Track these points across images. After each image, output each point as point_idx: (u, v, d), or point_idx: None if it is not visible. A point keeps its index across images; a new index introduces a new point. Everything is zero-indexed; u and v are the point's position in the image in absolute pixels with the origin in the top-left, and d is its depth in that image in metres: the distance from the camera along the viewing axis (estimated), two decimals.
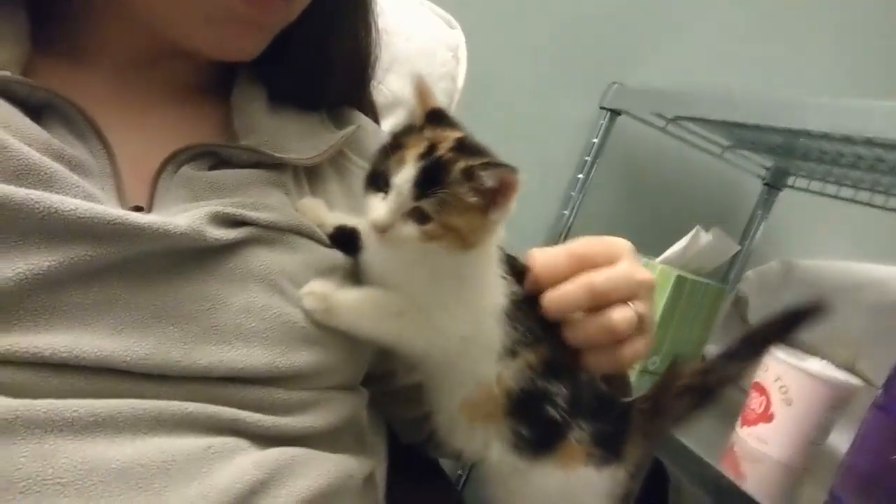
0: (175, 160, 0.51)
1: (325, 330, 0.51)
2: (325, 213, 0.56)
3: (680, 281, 1.03)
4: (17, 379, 0.40)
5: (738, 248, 1.25)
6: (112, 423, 0.41)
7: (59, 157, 0.45)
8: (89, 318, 0.42)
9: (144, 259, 0.45)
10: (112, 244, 0.43)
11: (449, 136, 0.48)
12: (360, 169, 0.62)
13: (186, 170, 0.51)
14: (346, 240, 0.55)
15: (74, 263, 0.42)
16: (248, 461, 0.44)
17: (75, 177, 0.45)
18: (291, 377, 0.48)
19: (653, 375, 1.04)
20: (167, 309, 0.44)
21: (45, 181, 0.43)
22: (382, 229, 0.47)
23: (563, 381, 0.51)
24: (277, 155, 0.54)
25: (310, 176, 0.58)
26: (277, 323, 0.48)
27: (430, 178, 0.46)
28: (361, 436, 0.59)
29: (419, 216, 0.46)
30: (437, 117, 0.50)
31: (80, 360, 0.41)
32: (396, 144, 0.48)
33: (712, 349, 1.17)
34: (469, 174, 0.46)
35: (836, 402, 0.78)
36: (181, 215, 0.47)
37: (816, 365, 0.80)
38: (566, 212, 1.27)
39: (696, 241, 1.09)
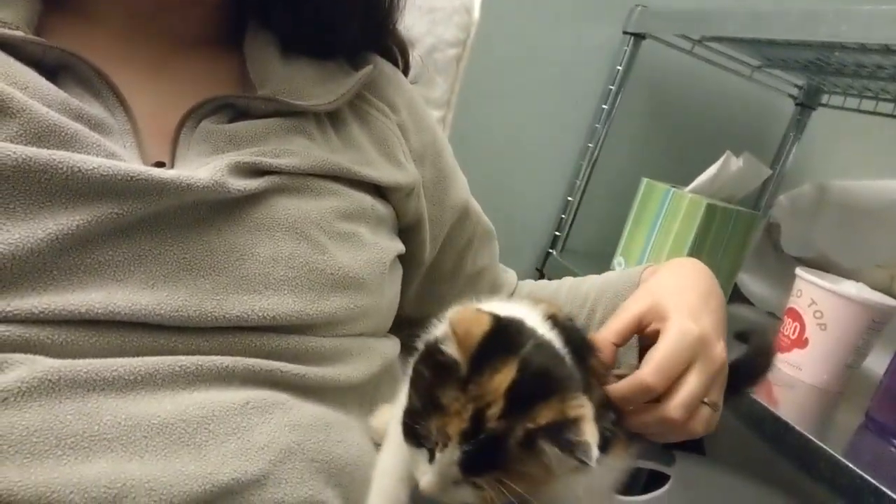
0: (194, 115, 0.50)
1: (353, 276, 0.51)
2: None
3: (710, 210, 1.01)
4: (58, 339, 0.41)
5: (770, 172, 1.22)
6: (151, 380, 0.42)
7: (78, 116, 0.45)
8: (120, 274, 0.43)
9: (171, 214, 0.45)
10: (137, 200, 0.43)
11: (500, 386, 0.39)
12: (380, 113, 0.61)
13: (206, 124, 0.51)
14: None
15: (102, 221, 0.42)
16: (285, 421, 0.45)
17: (96, 135, 0.45)
18: (323, 324, 0.49)
19: None
20: (196, 261, 0.45)
21: (67, 141, 0.43)
22: (432, 494, 0.41)
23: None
24: (295, 102, 0.53)
25: (333, 122, 0.57)
26: (305, 270, 0.48)
27: (482, 458, 0.38)
28: (397, 385, 0.60)
29: (475, 483, 0.40)
30: (484, 354, 0.40)
31: (115, 316, 0.42)
32: (433, 400, 0.40)
33: (744, 278, 1.16)
34: (530, 442, 0.38)
35: (873, 325, 0.77)
36: (203, 168, 0.47)
37: (851, 288, 0.79)
38: (591, 144, 1.24)
39: (726, 168, 1.06)
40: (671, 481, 1.14)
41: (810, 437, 0.66)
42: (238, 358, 0.45)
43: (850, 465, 0.61)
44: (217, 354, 0.45)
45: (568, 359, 0.44)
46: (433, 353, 0.41)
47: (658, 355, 0.49)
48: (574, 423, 0.38)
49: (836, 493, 0.63)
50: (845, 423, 0.74)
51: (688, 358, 0.50)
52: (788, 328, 0.82)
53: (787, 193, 1.19)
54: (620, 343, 0.53)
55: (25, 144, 0.42)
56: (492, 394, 0.38)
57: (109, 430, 0.39)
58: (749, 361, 0.57)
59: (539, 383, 0.40)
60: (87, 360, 0.41)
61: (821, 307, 0.78)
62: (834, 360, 0.78)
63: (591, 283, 0.73)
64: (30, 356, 0.40)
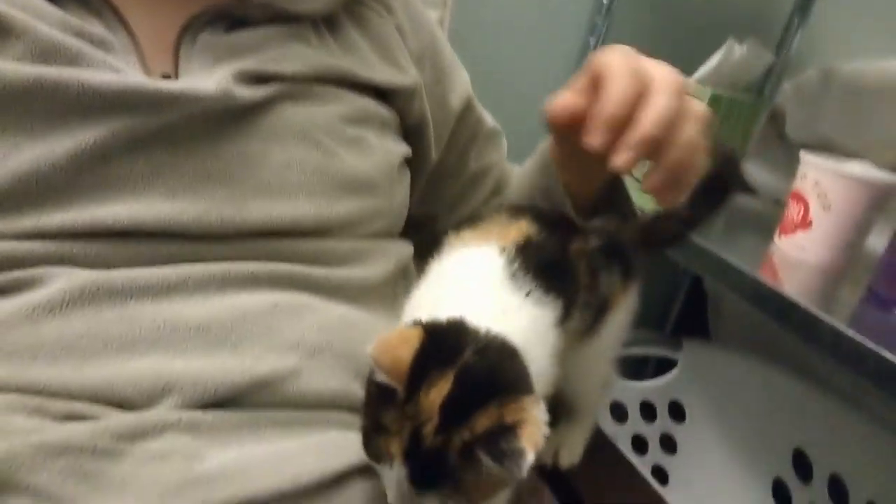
0: (192, 27, 0.50)
1: (364, 179, 0.52)
2: None
3: (714, 100, 1.00)
4: (91, 252, 0.43)
5: (774, 59, 1.19)
6: (184, 286, 0.44)
7: (79, 34, 0.45)
8: (140, 187, 0.44)
9: (182, 126, 0.46)
10: (149, 114, 0.44)
11: (435, 402, 0.38)
12: (376, 14, 0.60)
13: (205, 36, 0.51)
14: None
15: (117, 136, 0.43)
16: (312, 321, 0.47)
17: (100, 53, 0.45)
18: (339, 226, 0.51)
19: None
20: (212, 171, 0.46)
21: (73, 59, 0.43)
22: None
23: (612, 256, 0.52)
24: (291, 7, 0.53)
25: (330, 28, 0.57)
26: (318, 175, 0.50)
27: (429, 474, 0.38)
28: (413, 285, 0.62)
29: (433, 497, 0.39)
30: (420, 372, 0.39)
31: (141, 226, 0.43)
32: (377, 420, 0.39)
33: (749, 167, 1.16)
34: (469, 453, 0.37)
35: (877, 202, 0.78)
36: (208, 79, 0.47)
37: (857, 167, 0.79)
38: (592, 38, 1.22)
39: (729, 56, 1.04)
40: (678, 366, 1.19)
41: (814, 311, 0.68)
42: (263, 263, 0.47)
43: (852, 334, 0.64)
44: (242, 260, 0.47)
45: (537, 291, 0.44)
46: (371, 377, 0.41)
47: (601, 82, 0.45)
48: (511, 429, 0.36)
49: (839, 362, 0.66)
50: (848, 299, 0.77)
51: (631, 73, 0.44)
52: (793, 211, 0.83)
53: (792, 80, 1.17)
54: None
55: (32, 64, 0.42)
56: (427, 411, 0.37)
57: (150, 333, 0.42)
58: (715, 175, 0.53)
59: (477, 391, 0.38)
60: (121, 270, 0.43)
61: (825, 188, 0.79)
62: (837, 240, 0.80)
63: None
64: (67, 268, 0.42)
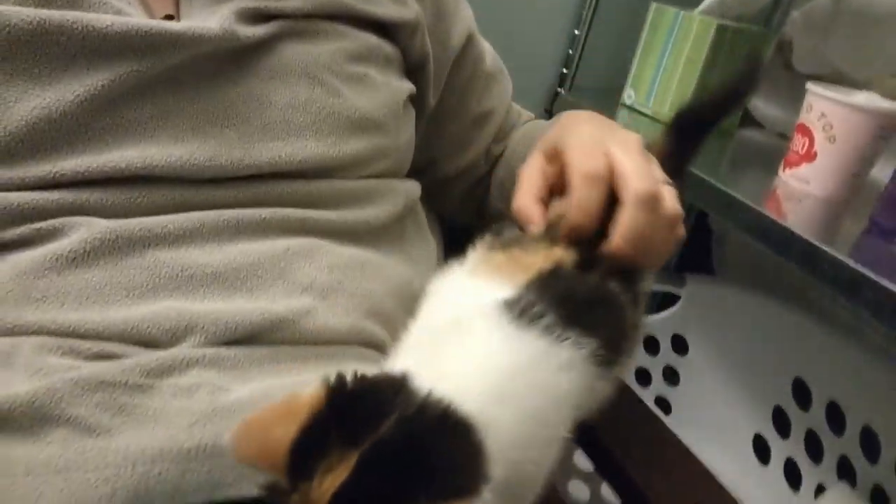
0: None
1: (369, 117, 0.53)
2: None
3: (720, 31, 0.98)
4: (107, 201, 0.44)
5: None
6: (198, 233, 0.45)
7: None
8: (149, 131, 0.45)
9: (187, 68, 0.46)
10: (154, 56, 0.44)
11: (325, 495, 0.28)
12: None
13: None
14: None
15: (124, 80, 0.44)
16: (323, 263, 0.48)
17: None
18: (346, 166, 0.51)
19: None
20: (218, 113, 0.47)
21: (74, 1, 0.43)
22: None
23: None
24: None
25: None
26: (323, 115, 0.50)
27: None
28: (421, 225, 0.63)
29: None
30: (313, 452, 0.30)
31: (153, 170, 0.44)
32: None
33: (755, 100, 1.15)
34: None
35: (882, 132, 0.78)
36: (210, 19, 0.47)
37: (862, 98, 0.79)
38: None
39: None
40: (682, 301, 1.21)
41: (815, 242, 0.69)
42: (274, 209, 0.48)
43: (852, 264, 0.65)
44: (253, 206, 0.47)
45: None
46: None
47: (572, 157, 0.44)
48: None
49: (839, 292, 0.67)
50: (851, 231, 0.78)
51: (599, 144, 0.44)
52: (798, 144, 0.83)
53: (800, 8, 1.15)
54: (539, 198, 0.47)
55: (34, 7, 0.42)
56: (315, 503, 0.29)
57: (169, 280, 0.43)
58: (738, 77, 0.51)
59: (385, 482, 0.28)
60: (138, 219, 0.44)
61: (830, 119, 0.78)
62: (841, 171, 0.80)
63: (519, 142, 0.71)
64: (85, 218, 0.43)
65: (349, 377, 0.32)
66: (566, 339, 0.35)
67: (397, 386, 0.31)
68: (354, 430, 0.29)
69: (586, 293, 0.40)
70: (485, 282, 0.39)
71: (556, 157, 0.46)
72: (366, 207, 0.53)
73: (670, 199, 0.44)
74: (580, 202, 0.42)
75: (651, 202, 0.42)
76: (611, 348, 0.38)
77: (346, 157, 0.51)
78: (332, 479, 0.28)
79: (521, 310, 0.35)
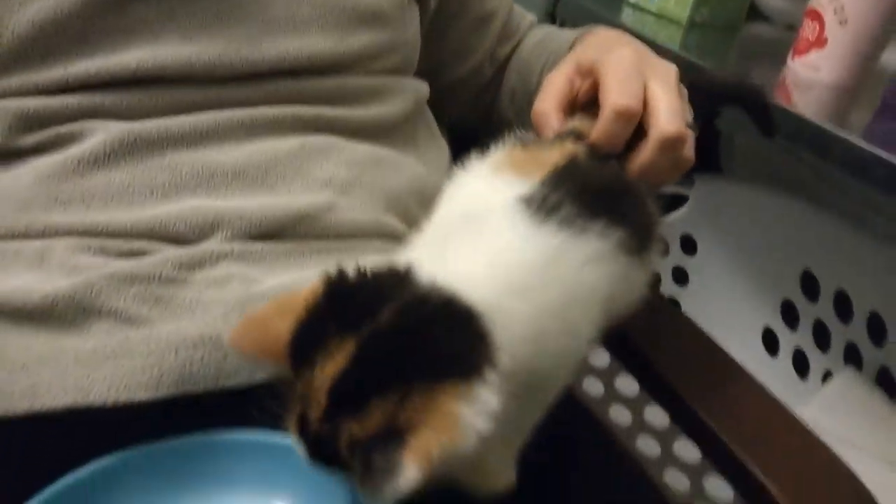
0: None
1: (374, 10, 0.52)
2: None
3: None
4: (122, 103, 0.44)
5: None
6: (214, 133, 0.46)
7: None
8: (157, 30, 0.45)
9: None
10: None
11: (326, 381, 0.29)
12: None
13: None
14: None
15: None
16: (342, 158, 0.49)
17: None
18: (355, 61, 0.51)
19: (702, 27, 1.02)
20: (224, 10, 0.47)
21: None
22: None
23: None
24: None
25: None
26: (328, 8, 0.50)
27: (322, 455, 0.30)
28: (433, 128, 0.63)
29: None
30: (314, 340, 0.30)
31: (165, 70, 0.44)
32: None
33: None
34: (356, 449, 0.28)
35: (894, 11, 0.76)
36: None
37: None
38: None
39: None
40: (690, 201, 1.21)
41: (826, 126, 0.69)
42: (285, 107, 0.48)
43: (864, 144, 0.65)
44: (265, 105, 0.48)
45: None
46: None
47: (609, 81, 0.43)
48: (397, 434, 0.27)
49: (850, 173, 0.67)
50: (861, 116, 0.77)
51: (638, 72, 0.44)
52: (807, 30, 0.81)
53: None
54: (562, 106, 0.47)
55: None
56: (317, 391, 0.29)
57: (190, 179, 0.44)
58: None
59: (383, 368, 0.29)
60: (154, 120, 0.44)
61: (842, 1, 0.77)
62: (852, 54, 0.79)
63: (533, 50, 0.70)
64: (102, 122, 0.44)
65: (351, 270, 0.32)
66: (590, 230, 0.35)
67: (400, 276, 0.32)
68: (353, 317, 0.29)
69: (608, 181, 0.40)
70: (501, 179, 0.39)
71: (589, 73, 0.46)
72: (377, 104, 0.53)
73: (689, 146, 0.45)
74: (607, 133, 0.42)
75: (674, 146, 0.42)
76: (640, 235, 0.38)
77: (353, 51, 0.51)
78: (333, 365, 0.28)
79: (537, 205, 0.35)
